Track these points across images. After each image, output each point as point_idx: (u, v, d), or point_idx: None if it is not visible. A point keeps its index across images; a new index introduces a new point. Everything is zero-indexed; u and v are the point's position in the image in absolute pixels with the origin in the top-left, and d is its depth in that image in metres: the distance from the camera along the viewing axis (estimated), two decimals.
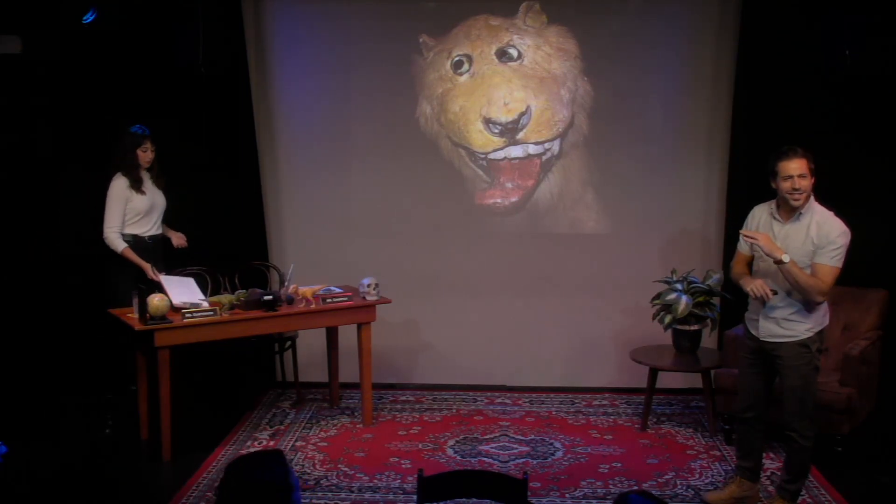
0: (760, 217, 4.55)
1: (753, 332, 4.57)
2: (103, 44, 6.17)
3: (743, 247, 4.63)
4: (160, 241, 5.97)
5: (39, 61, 6.10)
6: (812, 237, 4.34)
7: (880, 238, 5.86)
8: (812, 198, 4.40)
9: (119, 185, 5.75)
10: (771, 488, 4.86)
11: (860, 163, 5.92)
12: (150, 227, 5.87)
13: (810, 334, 4.41)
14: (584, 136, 6.47)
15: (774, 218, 4.46)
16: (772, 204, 4.51)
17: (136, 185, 5.78)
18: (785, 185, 4.35)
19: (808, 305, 4.38)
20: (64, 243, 6.35)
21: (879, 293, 5.70)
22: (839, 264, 4.33)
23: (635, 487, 4.79)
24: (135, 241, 5.78)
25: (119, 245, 5.71)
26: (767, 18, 5.98)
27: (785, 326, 4.43)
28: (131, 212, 5.76)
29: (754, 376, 4.60)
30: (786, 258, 4.28)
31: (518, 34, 6.40)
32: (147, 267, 5.67)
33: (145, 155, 5.80)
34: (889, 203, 5.96)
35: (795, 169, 4.32)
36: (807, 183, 4.33)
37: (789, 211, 4.41)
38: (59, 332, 6.35)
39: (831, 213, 4.39)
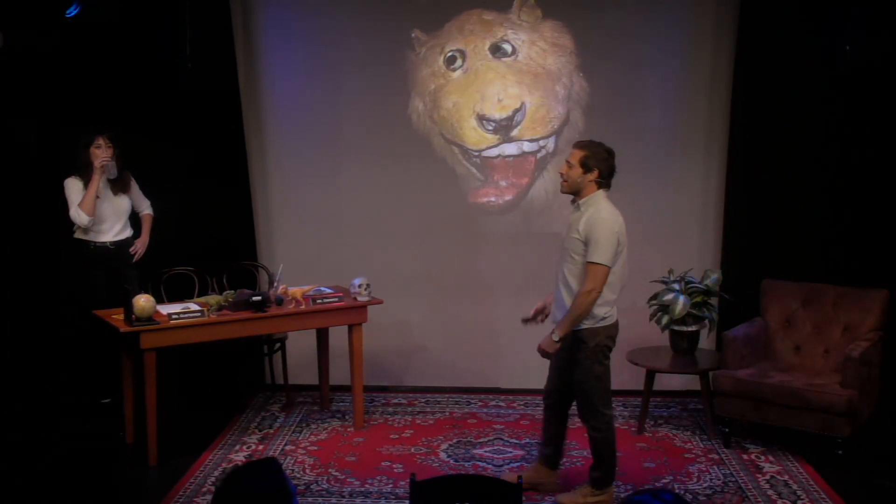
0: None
1: None
2: (87, 40, 6.06)
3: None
4: (126, 245, 5.86)
5: (22, 55, 5.98)
6: (580, 230, 4.42)
7: (880, 236, 5.81)
8: (601, 193, 4.46)
9: (72, 183, 5.66)
10: None
11: (859, 160, 5.87)
12: (112, 233, 5.78)
13: (584, 327, 4.46)
14: (580, 134, 6.36)
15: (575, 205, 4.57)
16: None
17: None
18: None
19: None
20: (48, 243, 6.24)
21: (880, 293, 5.61)
22: (606, 261, 4.36)
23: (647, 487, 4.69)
24: (97, 250, 5.71)
25: (84, 219, 5.63)
26: (766, 13, 5.93)
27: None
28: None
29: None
30: (555, 336, 4.42)
31: (512, 29, 6.32)
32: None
33: (100, 152, 5.65)
34: (888, 201, 5.89)
35: (569, 155, 4.51)
36: (572, 173, 4.44)
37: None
38: (42, 335, 6.25)
39: (609, 211, 4.43)
